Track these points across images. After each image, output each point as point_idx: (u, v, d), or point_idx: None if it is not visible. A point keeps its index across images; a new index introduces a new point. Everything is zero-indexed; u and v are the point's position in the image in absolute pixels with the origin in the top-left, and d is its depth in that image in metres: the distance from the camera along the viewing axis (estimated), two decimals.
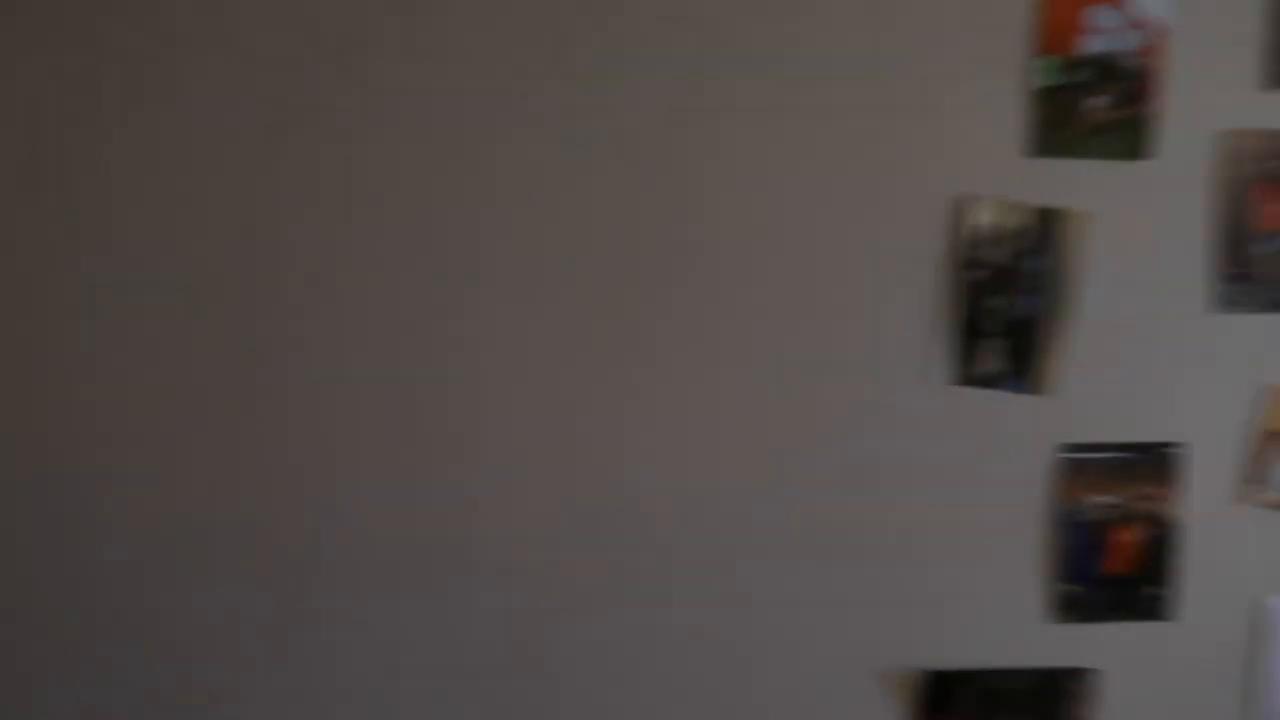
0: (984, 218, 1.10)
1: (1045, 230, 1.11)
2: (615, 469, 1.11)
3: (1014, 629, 1.16)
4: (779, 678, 1.15)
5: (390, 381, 1.08)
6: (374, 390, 1.08)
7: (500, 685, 1.13)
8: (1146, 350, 1.15)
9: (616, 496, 1.11)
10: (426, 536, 1.11)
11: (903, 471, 1.13)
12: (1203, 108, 1.12)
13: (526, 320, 1.08)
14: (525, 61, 1.04)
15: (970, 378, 1.13)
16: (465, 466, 1.10)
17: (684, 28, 1.05)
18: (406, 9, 1.03)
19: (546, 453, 1.10)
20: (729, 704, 1.15)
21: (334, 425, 1.09)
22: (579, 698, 1.14)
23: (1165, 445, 1.15)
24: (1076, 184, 1.11)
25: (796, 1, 1.06)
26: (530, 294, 1.08)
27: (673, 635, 1.13)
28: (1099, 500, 1.15)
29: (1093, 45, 1.10)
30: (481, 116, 1.05)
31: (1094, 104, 1.11)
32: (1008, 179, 1.10)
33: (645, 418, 1.10)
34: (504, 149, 1.06)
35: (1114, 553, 1.16)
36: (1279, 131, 1.13)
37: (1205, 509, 1.17)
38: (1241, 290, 1.15)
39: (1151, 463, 1.15)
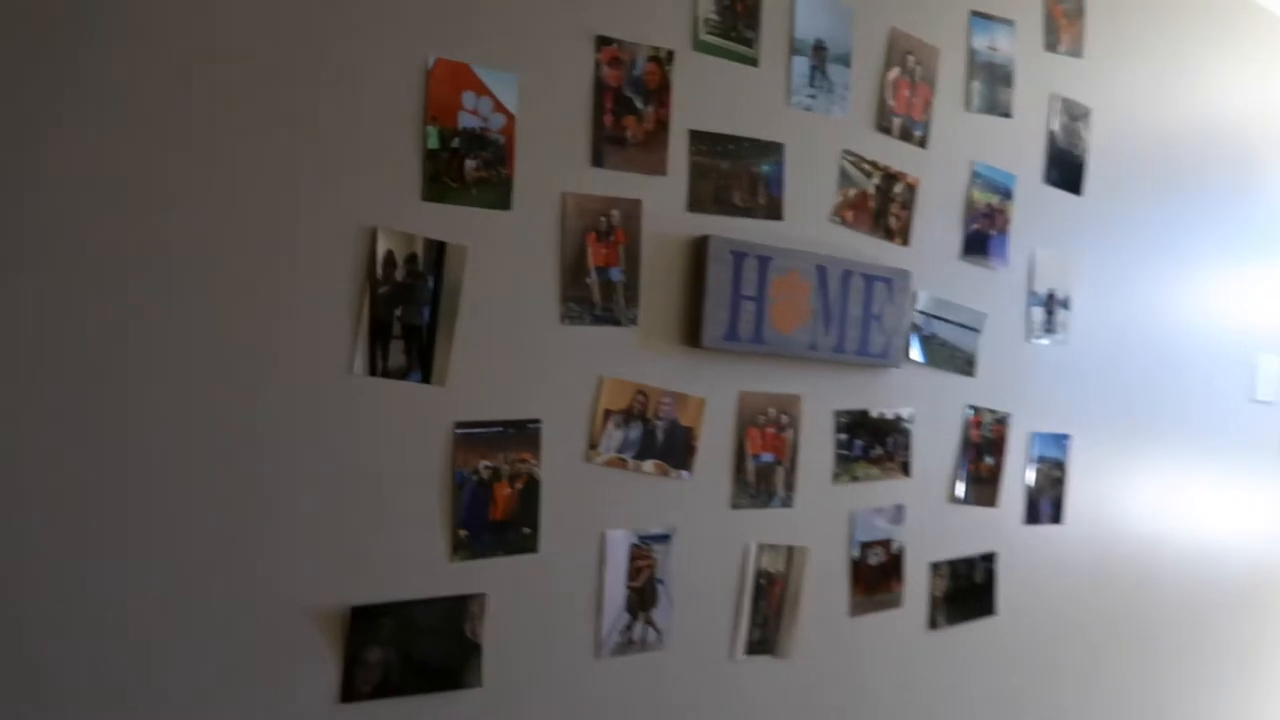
0: (389, 246, 1.41)
1: (436, 258, 1.45)
2: None
3: (424, 567, 1.46)
4: (214, 620, 1.31)
5: None
6: None
7: None
8: (514, 351, 1.53)
9: None
10: None
11: (329, 441, 1.37)
12: (549, 175, 1.54)
13: None
14: None
15: (384, 371, 1.42)
16: None
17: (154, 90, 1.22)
18: None
19: None
20: (166, 651, 1.28)
21: None
22: None
23: (530, 421, 1.55)
24: (459, 224, 1.47)
25: (243, 68, 1.28)
26: None
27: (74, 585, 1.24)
28: (484, 464, 1.51)
29: (468, 121, 1.48)
30: None
31: (470, 165, 1.48)
32: (408, 216, 1.42)
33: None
34: None
35: (497, 504, 1.52)
36: (602, 197, 1.60)
37: (561, 468, 1.58)
38: (581, 309, 1.60)
39: (520, 435, 1.54)
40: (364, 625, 1.40)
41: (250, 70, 1.30)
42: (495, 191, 1.50)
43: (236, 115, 1.29)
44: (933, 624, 2.09)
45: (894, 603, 2.03)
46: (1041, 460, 2.28)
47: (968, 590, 2.15)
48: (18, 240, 1.15)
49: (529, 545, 1.55)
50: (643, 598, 1.67)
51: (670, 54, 1.66)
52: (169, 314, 1.25)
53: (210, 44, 1.27)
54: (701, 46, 1.70)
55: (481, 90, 1.48)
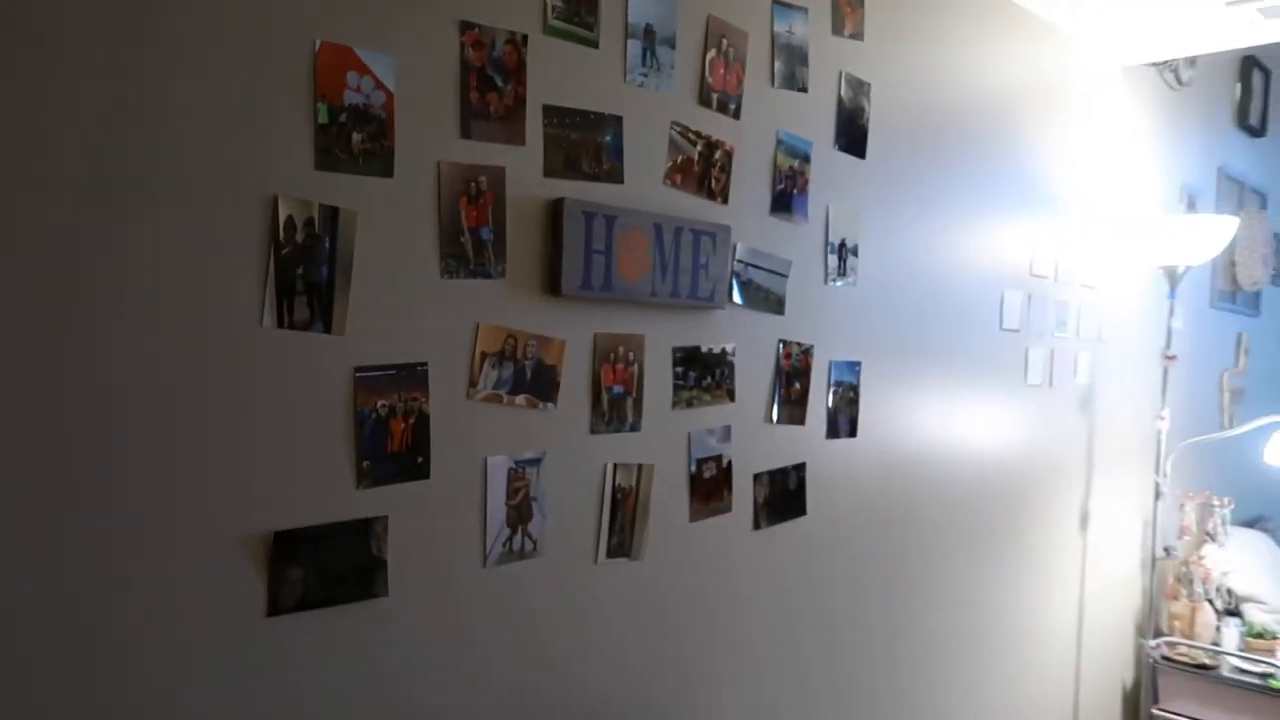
0: (289, 211, 1.58)
1: (330, 221, 1.63)
2: None
3: (334, 495, 1.65)
4: (151, 551, 1.47)
5: None
6: None
7: None
8: (401, 303, 1.73)
9: None
10: None
11: (244, 386, 1.54)
12: (425, 146, 1.74)
13: None
14: None
15: (290, 324, 1.59)
16: None
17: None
18: None
19: None
20: (108, 584, 1.43)
21: None
22: None
23: (418, 364, 1.76)
24: (349, 191, 1.65)
25: (160, 54, 1.40)
26: None
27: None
28: (381, 403, 1.71)
29: (352, 98, 1.66)
30: None
31: (356, 138, 1.66)
32: (304, 185, 1.59)
33: None
34: None
35: (393, 437, 1.73)
36: (471, 165, 1.81)
37: (446, 404, 1.80)
38: (457, 264, 1.81)
39: (411, 376, 1.75)
40: (285, 548, 1.59)
41: (166, 54, 1.43)
42: (379, 161, 1.69)
43: (156, 96, 1.42)
44: (756, 525, 2.48)
45: (725, 509, 2.39)
46: (838, 384, 2.70)
47: (783, 496, 2.55)
48: None
49: (422, 472, 1.77)
50: (520, 513, 1.94)
51: (525, 37, 1.89)
52: (98, 278, 1.38)
53: (144, 43, 1.39)
54: (551, 31, 1.94)
55: (363, 70, 1.66)
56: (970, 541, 3.35)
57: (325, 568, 1.64)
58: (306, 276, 1.61)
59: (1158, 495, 4.06)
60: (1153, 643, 4.13)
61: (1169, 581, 4.35)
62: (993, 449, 3.43)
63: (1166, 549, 4.22)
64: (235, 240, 1.52)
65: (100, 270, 1.38)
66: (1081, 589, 4.11)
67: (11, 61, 1.29)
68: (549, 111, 1.94)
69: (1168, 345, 4.00)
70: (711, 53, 2.26)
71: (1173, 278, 3.91)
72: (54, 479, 1.35)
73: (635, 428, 2.15)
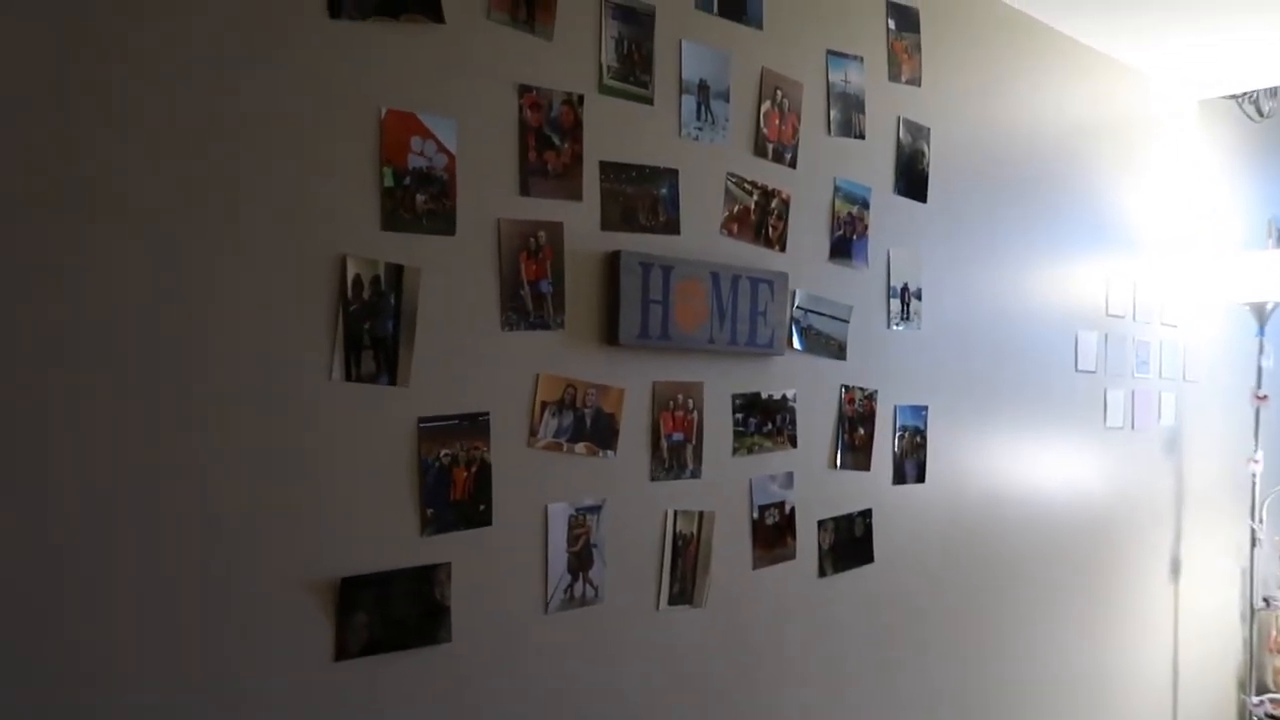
0: (356, 270, 1.66)
1: (395, 278, 1.71)
2: None
3: (399, 542, 1.71)
4: (224, 598, 1.54)
5: None
6: None
7: None
8: (464, 355, 1.79)
9: None
10: None
11: (314, 438, 1.61)
12: (486, 204, 1.82)
13: None
14: None
15: (358, 377, 1.67)
16: None
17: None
18: None
19: None
20: (184, 628, 1.50)
21: None
22: None
23: (480, 414, 1.82)
24: (413, 249, 1.73)
25: (240, 130, 1.51)
26: None
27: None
28: (444, 452, 1.77)
29: (416, 161, 1.74)
30: None
31: (420, 198, 1.74)
32: (371, 244, 1.68)
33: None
34: None
35: (456, 485, 1.79)
36: (530, 221, 1.88)
37: (508, 453, 1.85)
38: (518, 316, 1.87)
39: (473, 426, 1.81)
40: (351, 593, 1.64)
41: (240, 123, 1.53)
42: (442, 220, 1.77)
43: (231, 163, 1.52)
44: (821, 572, 2.45)
45: (788, 556, 2.38)
46: (904, 429, 2.68)
47: (849, 542, 2.53)
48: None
49: (485, 520, 1.82)
50: (581, 560, 1.96)
51: (581, 97, 1.96)
52: (180, 334, 1.47)
53: (220, 116, 1.49)
54: (606, 90, 2.01)
55: (427, 134, 1.75)
56: (1047, 591, 3.25)
57: (390, 613, 1.69)
58: (373, 331, 1.68)
59: (1254, 542, 3.88)
60: (1256, 699, 3.92)
61: (1271, 634, 4.14)
62: (1071, 494, 3.33)
63: (1266, 599, 4.02)
64: (306, 298, 1.60)
65: (179, 329, 1.47)
66: (1175, 642, 3.93)
67: (92, 136, 1.40)
68: (605, 167, 2.00)
69: (1258, 385, 3.85)
70: (766, 104, 2.31)
71: (1261, 315, 3.78)
72: (145, 527, 1.43)
73: (695, 474, 2.16)
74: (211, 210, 1.50)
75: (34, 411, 1.34)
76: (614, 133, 2.01)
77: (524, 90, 1.87)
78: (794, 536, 2.39)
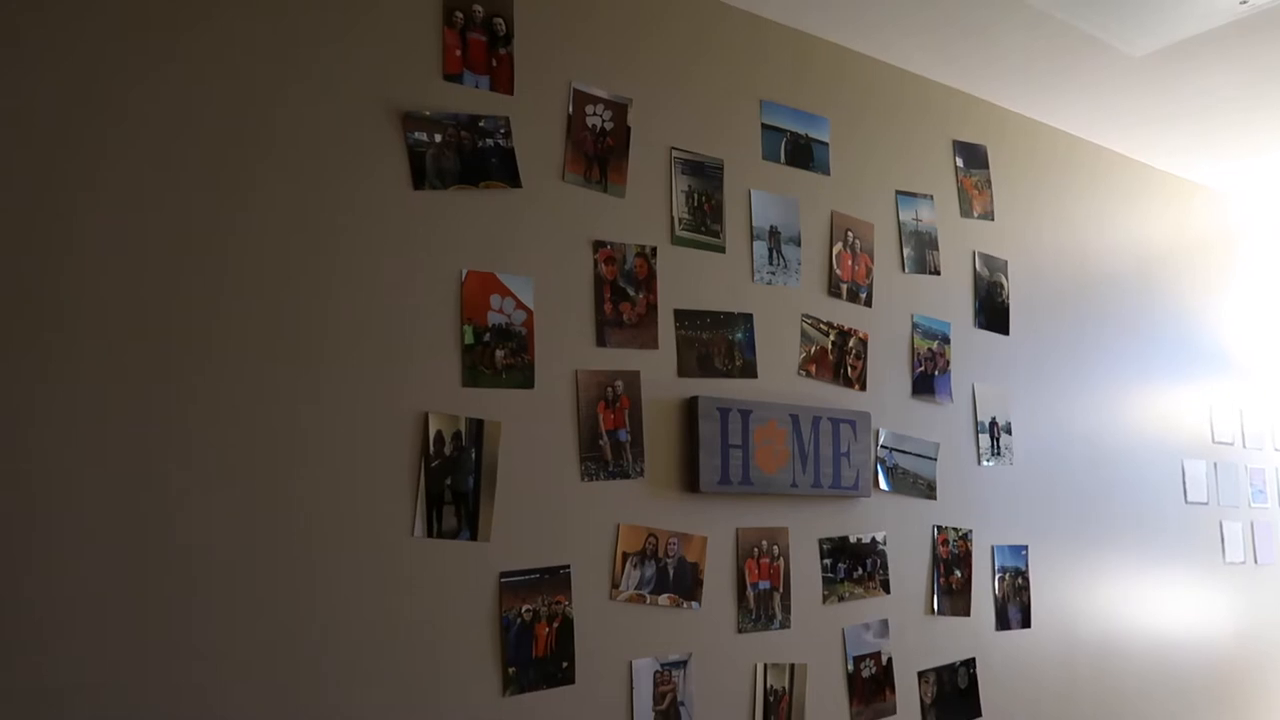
0: (438, 427, 1.69)
1: (476, 433, 1.73)
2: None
3: (481, 702, 1.67)
4: None
5: None
6: None
7: None
8: (544, 507, 1.79)
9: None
10: None
11: (396, 595, 1.61)
12: (563, 356, 1.85)
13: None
14: None
15: (439, 533, 1.67)
16: None
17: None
18: None
19: None
20: None
21: None
22: None
23: (561, 567, 1.80)
24: (492, 404, 1.76)
25: (327, 302, 1.59)
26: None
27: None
28: (526, 607, 1.74)
29: (495, 319, 1.79)
30: None
31: (499, 354, 1.78)
32: (451, 400, 1.71)
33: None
34: None
35: (538, 641, 1.75)
36: (607, 371, 1.90)
37: (590, 607, 1.81)
38: (597, 466, 1.87)
39: (554, 579, 1.78)
40: None
41: (328, 288, 1.61)
42: (520, 374, 1.80)
43: (318, 326, 1.59)
44: None
45: (889, 711, 2.24)
46: (1004, 570, 2.55)
47: (954, 694, 2.37)
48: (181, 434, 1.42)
49: (567, 677, 1.77)
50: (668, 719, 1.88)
51: (654, 249, 2.01)
52: (270, 491, 1.50)
53: (315, 276, 1.58)
54: (679, 241, 2.05)
55: (505, 293, 1.80)
56: None
57: None
58: (454, 486, 1.69)
59: None
60: None
61: None
62: (1191, 636, 3.10)
63: None
64: (389, 455, 1.63)
65: (269, 486, 1.51)
66: None
67: (191, 359, 1.48)
68: (680, 315, 2.03)
69: None
70: (838, 246, 2.33)
71: None
72: (223, 685, 1.43)
73: (785, 625, 2.08)
74: (297, 370, 1.56)
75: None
76: (687, 281, 2.05)
77: (598, 246, 1.93)
78: (893, 689, 2.26)
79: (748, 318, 2.13)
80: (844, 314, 2.31)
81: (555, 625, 1.77)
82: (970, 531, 2.48)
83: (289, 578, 1.51)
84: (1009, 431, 2.63)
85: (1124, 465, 2.95)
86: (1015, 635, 2.55)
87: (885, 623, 2.26)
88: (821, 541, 2.18)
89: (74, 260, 1.40)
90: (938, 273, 2.54)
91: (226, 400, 1.49)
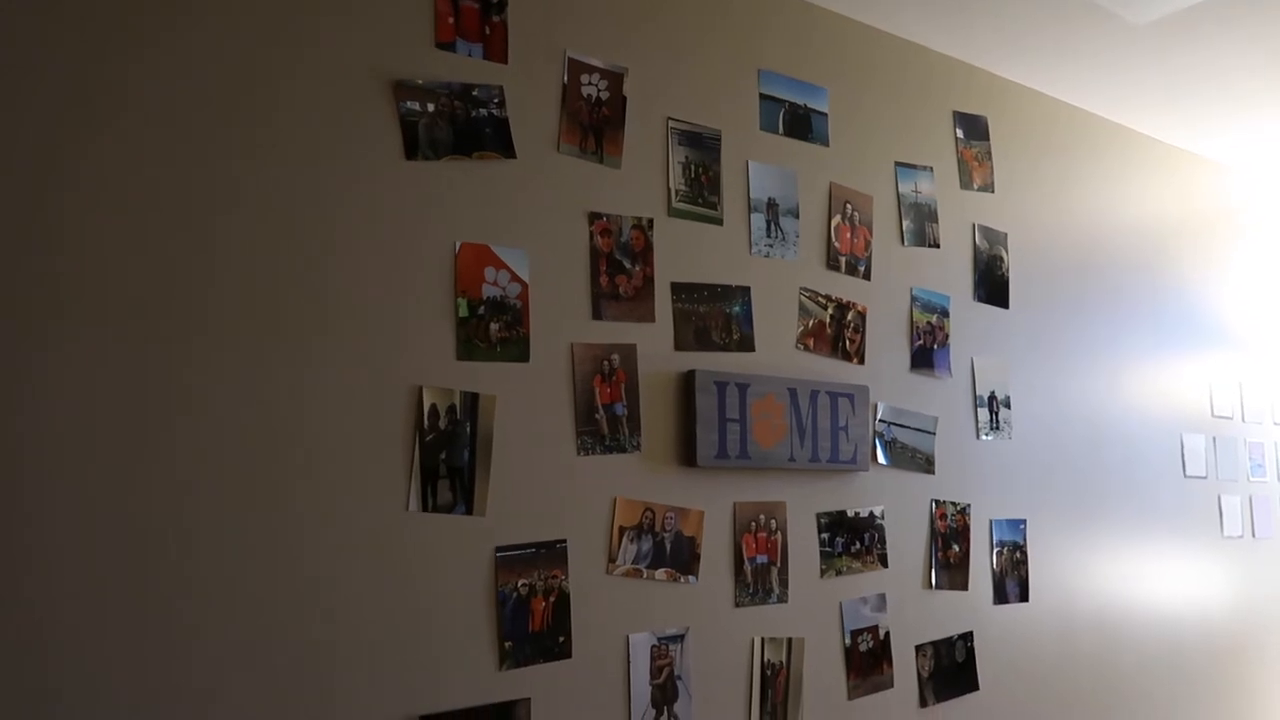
0: (432, 400, 1.68)
1: (470, 407, 1.71)
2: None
3: (477, 676, 1.66)
4: None
5: None
6: None
7: None
8: (539, 481, 1.78)
9: None
10: None
11: (391, 570, 1.60)
12: (559, 329, 1.83)
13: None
14: None
15: (434, 507, 1.66)
16: None
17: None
18: None
19: None
20: None
21: None
22: None
23: (558, 541, 1.78)
24: (487, 377, 1.74)
25: (323, 276, 1.57)
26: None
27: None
28: (522, 582, 1.73)
29: (490, 291, 1.77)
30: None
31: (494, 327, 1.76)
32: (446, 374, 1.69)
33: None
34: None
35: (534, 616, 1.74)
36: (603, 344, 1.88)
37: (586, 581, 1.81)
38: (593, 440, 1.86)
39: (550, 554, 1.77)
40: None
41: (321, 263, 1.58)
42: (516, 347, 1.78)
43: (316, 297, 1.57)
44: (923, 702, 2.30)
45: (886, 684, 2.24)
46: (1002, 544, 2.54)
47: (951, 668, 2.37)
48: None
49: (564, 652, 1.76)
50: (665, 693, 1.88)
51: (650, 221, 1.98)
52: (265, 467, 1.49)
53: (305, 248, 1.55)
54: (675, 213, 2.03)
55: (499, 265, 1.78)
56: (1168, 716, 2.99)
57: None
58: (449, 461, 1.68)
59: None
60: None
61: None
62: (1189, 609, 3.10)
63: None
64: (383, 429, 1.61)
65: (264, 461, 1.49)
66: None
67: (185, 334, 1.46)
68: (677, 288, 2.00)
69: None
70: (836, 218, 2.30)
71: None
72: (219, 654, 1.42)
73: (782, 599, 2.08)
74: (293, 339, 1.54)
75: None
76: (684, 254, 2.02)
77: (594, 217, 1.91)
78: (890, 663, 2.26)
79: (745, 290, 2.11)
80: (842, 287, 2.29)
81: (552, 600, 1.76)
82: (968, 505, 2.47)
83: (285, 553, 1.50)
84: (1008, 405, 2.62)
85: (1123, 439, 2.94)
86: (1013, 609, 2.55)
87: (883, 596, 2.26)
88: (819, 515, 2.17)
89: (69, 239, 1.37)
90: (937, 245, 2.52)
91: (218, 376, 1.47)
